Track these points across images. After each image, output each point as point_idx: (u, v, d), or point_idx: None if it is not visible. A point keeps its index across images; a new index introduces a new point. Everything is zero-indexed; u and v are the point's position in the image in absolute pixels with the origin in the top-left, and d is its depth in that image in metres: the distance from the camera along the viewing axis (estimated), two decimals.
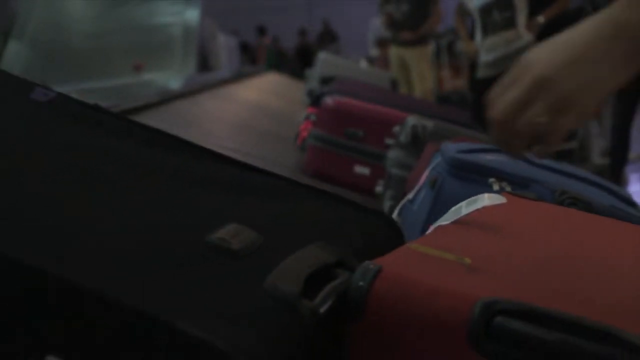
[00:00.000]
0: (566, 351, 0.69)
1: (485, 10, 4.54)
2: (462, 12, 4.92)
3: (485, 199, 0.96)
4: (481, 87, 4.73)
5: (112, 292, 0.70)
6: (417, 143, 1.98)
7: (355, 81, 3.79)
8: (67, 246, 0.74)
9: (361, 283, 0.75)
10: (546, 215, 1.10)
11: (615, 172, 4.58)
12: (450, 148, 1.49)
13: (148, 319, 0.69)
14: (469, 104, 5.16)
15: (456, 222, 0.91)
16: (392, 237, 0.94)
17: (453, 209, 0.97)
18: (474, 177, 1.37)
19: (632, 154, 4.90)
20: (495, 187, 1.29)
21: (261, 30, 14.35)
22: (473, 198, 0.98)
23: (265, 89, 6.55)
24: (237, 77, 6.98)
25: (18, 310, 0.70)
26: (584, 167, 5.41)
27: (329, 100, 2.54)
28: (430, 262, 0.81)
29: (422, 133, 1.96)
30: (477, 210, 0.92)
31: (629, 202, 1.52)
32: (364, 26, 10.12)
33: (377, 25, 8.40)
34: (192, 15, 5.80)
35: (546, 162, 1.55)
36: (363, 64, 8.13)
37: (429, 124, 2.02)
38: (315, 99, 2.92)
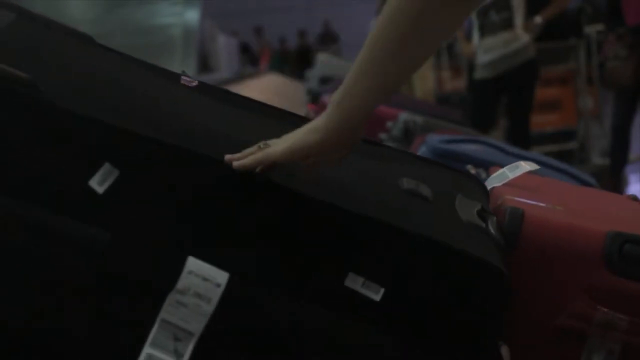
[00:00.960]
0: None
1: (482, 11, 4.53)
2: None
3: (524, 165, 1.17)
4: (480, 87, 4.73)
5: (400, 222, 0.89)
6: (408, 137, 2.16)
7: None
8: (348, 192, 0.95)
9: (514, 222, 0.98)
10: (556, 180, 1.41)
11: (616, 172, 4.57)
12: (434, 139, 1.73)
13: (437, 246, 0.89)
14: (468, 104, 5.15)
15: (509, 184, 1.13)
16: (483, 191, 1.14)
17: (496, 174, 1.19)
18: (454, 164, 1.55)
19: (633, 154, 4.90)
20: (472, 172, 1.44)
21: (258, 31, 14.34)
22: (513, 165, 1.18)
23: (265, 89, 6.55)
24: (238, 77, 6.97)
25: (339, 241, 0.88)
26: (584, 167, 5.41)
27: (327, 99, 2.63)
28: (539, 208, 1.04)
29: (413, 127, 2.16)
30: (523, 174, 1.15)
31: (589, 185, 1.80)
32: (364, 27, 10.11)
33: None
34: (192, 16, 5.81)
35: (518, 151, 1.81)
36: None
37: (419, 119, 2.21)
38: (314, 97, 3.01)
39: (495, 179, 1.17)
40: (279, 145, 0.93)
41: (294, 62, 13.25)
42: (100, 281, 0.85)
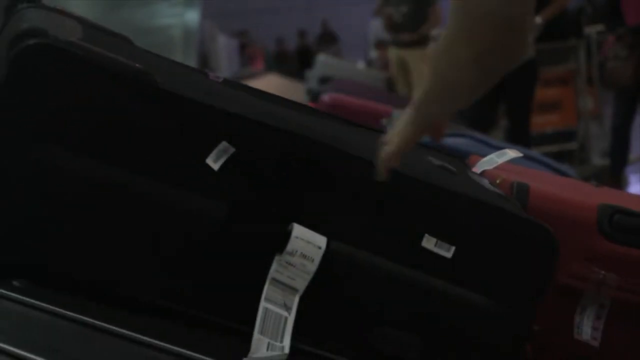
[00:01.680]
0: None
1: None
2: None
3: (510, 152, 1.33)
4: None
5: (457, 189, 1.08)
6: None
7: (350, 81, 4.28)
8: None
9: (521, 195, 1.14)
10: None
11: (616, 172, 4.57)
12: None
13: (494, 209, 1.07)
14: None
15: (499, 168, 1.29)
16: (469, 169, 1.31)
17: (486, 159, 1.33)
18: None
19: (633, 154, 4.90)
20: None
21: (242, 34, 14.29)
22: (501, 151, 1.34)
23: (266, 89, 6.54)
24: (238, 78, 6.98)
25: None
26: (585, 168, 5.40)
27: (325, 97, 2.91)
28: (539, 184, 1.20)
29: None
30: (509, 160, 1.31)
31: (567, 175, 2.00)
32: (364, 28, 10.11)
33: (376, 27, 8.40)
34: (192, 17, 5.80)
35: (500, 144, 2.04)
36: (360, 65, 8.32)
37: None
38: (314, 97, 3.14)
39: (486, 164, 1.32)
40: (395, 140, 1.03)
41: (294, 62, 13.25)
42: (219, 247, 1.01)
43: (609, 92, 5.11)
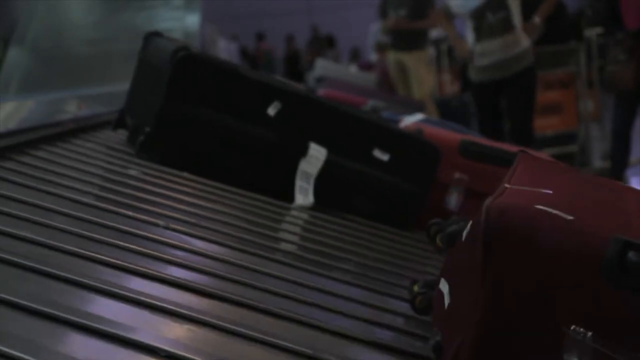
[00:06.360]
0: None
1: (478, 14, 4.45)
2: (448, 14, 4.81)
3: (419, 115, 2.57)
4: (479, 91, 4.68)
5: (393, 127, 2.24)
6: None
7: (340, 80, 5.35)
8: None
9: (419, 134, 2.25)
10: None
11: (616, 175, 4.57)
12: (387, 113, 2.85)
13: (412, 137, 2.16)
14: (468, 106, 5.12)
15: (412, 123, 2.40)
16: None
17: (405, 119, 2.49)
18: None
19: (633, 157, 4.90)
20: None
21: (260, 37, 14.36)
22: (415, 115, 2.57)
23: None
24: None
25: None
26: (585, 170, 5.40)
27: (321, 91, 3.74)
28: (429, 130, 2.36)
29: (378, 108, 3.17)
30: (420, 120, 2.52)
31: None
32: (364, 31, 10.11)
33: (376, 30, 8.40)
34: (192, 20, 5.81)
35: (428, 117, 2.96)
36: (352, 69, 9.18)
37: (382, 104, 3.34)
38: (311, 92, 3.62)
39: (406, 121, 2.43)
40: None
41: (291, 65, 13.26)
42: (274, 154, 1.98)
43: (609, 95, 5.11)
